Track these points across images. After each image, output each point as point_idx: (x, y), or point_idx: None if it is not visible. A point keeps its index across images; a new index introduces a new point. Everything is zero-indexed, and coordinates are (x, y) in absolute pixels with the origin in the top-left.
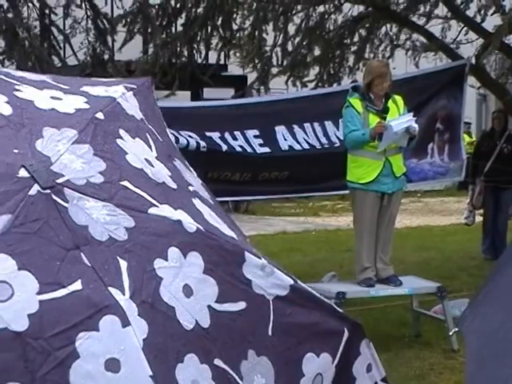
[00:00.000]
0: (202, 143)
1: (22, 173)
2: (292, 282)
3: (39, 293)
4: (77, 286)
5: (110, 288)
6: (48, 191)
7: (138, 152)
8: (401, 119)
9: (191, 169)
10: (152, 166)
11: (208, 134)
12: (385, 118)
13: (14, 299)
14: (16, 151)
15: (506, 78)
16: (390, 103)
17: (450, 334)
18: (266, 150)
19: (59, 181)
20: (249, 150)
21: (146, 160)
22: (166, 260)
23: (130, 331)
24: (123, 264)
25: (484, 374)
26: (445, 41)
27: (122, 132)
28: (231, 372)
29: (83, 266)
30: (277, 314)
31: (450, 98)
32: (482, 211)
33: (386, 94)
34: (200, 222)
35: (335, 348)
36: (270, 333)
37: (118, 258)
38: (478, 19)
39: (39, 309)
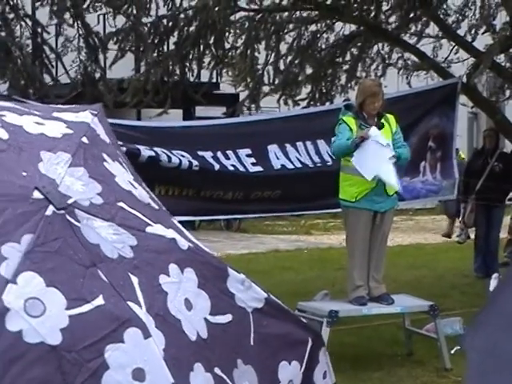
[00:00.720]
0: (195, 162)
1: (36, 195)
2: (266, 295)
3: (67, 308)
4: (99, 301)
5: (128, 302)
6: (62, 212)
7: (121, 175)
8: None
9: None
10: (135, 188)
11: (200, 153)
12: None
13: (46, 314)
14: (25, 174)
15: (497, 97)
16: (382, 122)
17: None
18: (259, 168)
19: (69, 202)
20: (241, 169)
21: (129, 182)
22: (169, 276)
23: (151, 342)
24: (135, 280)
25: None
26: (436, 60)
27: (105, 156)
28: (228, 380)
29: (102, 282)
30: (256, 325)
31: (442, 117)
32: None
33: (378, 112)
34: (189, 240)
35: (302, 356)
36: (251, 343)
37: (129, 274)
38: (469, 38)
39: (69, 323)
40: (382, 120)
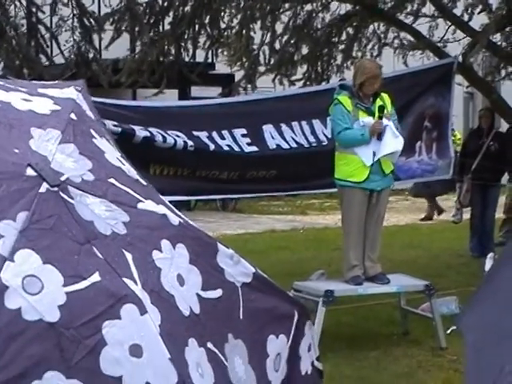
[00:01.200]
0: (190, 142)
1: (30, 172)
2: (254, 270)
3: (65, 285)
4: (96, 277)
5: (124, 278)
6: (56, 189)
7: (110, 151)
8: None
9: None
10: (123, 164)
11: (195, 133)
12: (380, 118)
13: (44, 292)
14: (17, 151)
15: (493, 77)
16: (378, 102)
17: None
18: (254, 148)
19: (62, 178)
20: (236, 149)
21: (118, 159)
22: (161, 252)
23: (147, 318)
24: (129, 256)
25: (482, 363)
26: (432, 39)
27: (93, 132)
28: (219, 354)
29: (97, 258)
30: (245, 300)
31: (438, 96)
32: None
33: (374, 92)
34: (178, 216)
35: (289, 330)
36: (241, 317)
37: (123, 250)
38: (465, 18)
39: (67, 300)
40: (378, 99)
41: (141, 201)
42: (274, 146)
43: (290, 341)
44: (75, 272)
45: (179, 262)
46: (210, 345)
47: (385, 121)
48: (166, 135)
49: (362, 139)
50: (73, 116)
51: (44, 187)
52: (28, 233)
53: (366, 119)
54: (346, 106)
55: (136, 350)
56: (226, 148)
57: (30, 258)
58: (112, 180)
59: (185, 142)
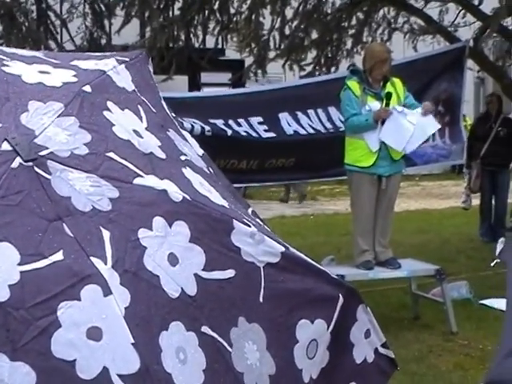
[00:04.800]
0: (207, 127)
1: (5, 146)
2: (283, 249)
3: (20, 264)
4: (58, 256)
5: (91, 258)
6: (30, 164)
7: (125, 123)
8: (409, 114)
9: (189, 138)
10: (140, 136)
11: (212, 120)
12: (387, 105)
13: None
14: (0, 125)
15: (504, 61)
16: (389, 86)
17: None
18: (272, 134)
19: (42, 153)
20: (254, 134)
21: (135, 131)
22: (151, 229)
23: (111, 300)
24: (106, 234)
25: None
26: (443, 24)
27: (109, 104)
28: (219, 339)
29: (65, 236)
30: (268, 281)
31: (451, 81)
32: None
33: (384, 77)
34: (187, 192)
35: (330, 314)
36: (261, 300)
37: (100, 228)
38: (476, 2)
39: (20, 279)
40: (388, 84)
41: (139, 175)
42: (292, 132)
43: (331, 326)
44: (35, 250)
45: (174, 241)
46: (205, 329)
47: (398, 108)
48: (182, 120)
49: (366, 124)
50: (86, 88)
51: (17, 162)
52: None
53: (373, 104)
54: (354, 91)
55: (94, 333)
56: (244, 134)
57: None
58: (111, 154)
59: (202, 127)
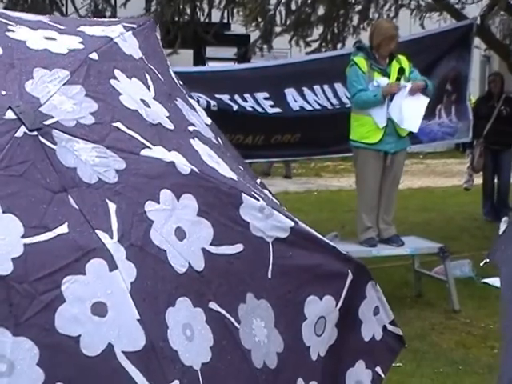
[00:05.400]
0: (213, 102)
1: (9, 114)
2: (292, 224)
3: (24, 236)
4: (63, 229)
5: (97, 231)
6: (35, 133)
7: (133, 92)
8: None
9: (197, 107)
10: (148, 106)
11: (217, 95)
12: (399, 79)
13: None
14: (4, 93)
15: (511, 39)
16: (395, 63)
17: (481, 264)
18: (277, 110)
19: (47, 122)
20: (260, 110)
21: (142, 100)
22: (158, 203)
23: (117, 275)
24: (112, 207)
25: None
26: (450, 1)
27: (116, 72)
28: (227, 315)
29: (70, 208)
30: (277, 257)
31: (459, 59)
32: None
33: (390, 53)
34: (195, 164)
35: (339, 291)
36: (269, 275)
37: (106, 200)
38: None
39: (24, 252)
40: (394, 61)
41: (147, 147)
42: (298, 108)
43: (340, 303)
44: (40, 223)
45: (182, 214)
46: (213, 305)
47: (404, 83)
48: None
49: (375, 100)
50: (93, 56)
51: (21, 131)
52: None
53: (381, 80)
54: (361, 67)
55: (99, 309)
56: (250, 109)
57: None
58: (117, 124)
59: (207, 102)
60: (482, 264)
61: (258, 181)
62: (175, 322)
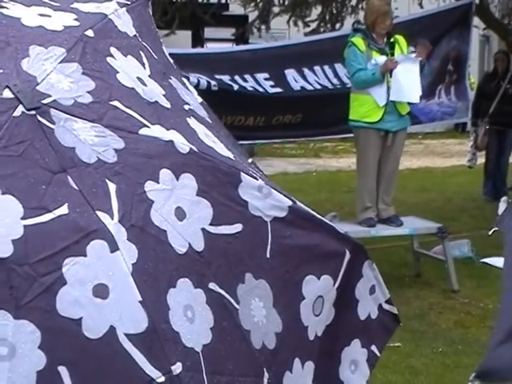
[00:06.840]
0: (213, 82)
1: (6, 93)
2: (291, 203)
3: (24, 218)
4: (63, 210)
5: (97, 212)
6: (33, 112)
7: (129, 70)
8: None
9: (190, 87)
10: (144, 84)
11: (218, 76)
12: (392, 54)
13: None
14: (0, 71)
15: (510, 19)
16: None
17: (489, 233)
18: (278, 90)
19: (45, 101)
20: (260, 89)
21: (138, 78)
22: (158, 182)
23: (118, 256)
24: (112, 187)
25: None
26: None
27: (112, 50)
28: (227, 296)
29: (70, 189)
30: (275, 236)
31: (459, 38)
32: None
33: (387, 32)
34: (194, 143)
35: (336, 270)
36: (267, 255)
37: (106, 180)
38: None
39: (24, 234)
40: (392, 40)
41: (145, 126)
42: (298, 88)
43: (337, 282)
44: (39, 203)
45: (181, 194)
46: (213, 285)
47: (398, 56)
48: (187, 75)
49: (374, 78)
50: (89, 33)
51: (19, 111)
52: None
53: (379, 58)
54: (359, 46)
55: (101, 291)
56: (250, 89)
57: None
58: (115, 102)
59: (208, 82)
60: (490, 233)
61: (250, 160)
62: (176, 303)
